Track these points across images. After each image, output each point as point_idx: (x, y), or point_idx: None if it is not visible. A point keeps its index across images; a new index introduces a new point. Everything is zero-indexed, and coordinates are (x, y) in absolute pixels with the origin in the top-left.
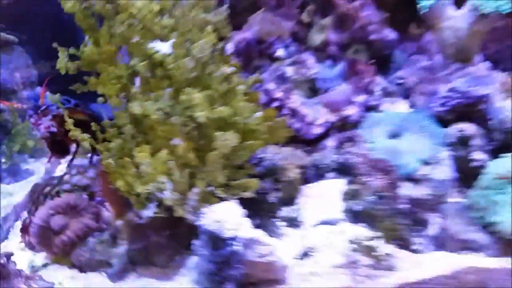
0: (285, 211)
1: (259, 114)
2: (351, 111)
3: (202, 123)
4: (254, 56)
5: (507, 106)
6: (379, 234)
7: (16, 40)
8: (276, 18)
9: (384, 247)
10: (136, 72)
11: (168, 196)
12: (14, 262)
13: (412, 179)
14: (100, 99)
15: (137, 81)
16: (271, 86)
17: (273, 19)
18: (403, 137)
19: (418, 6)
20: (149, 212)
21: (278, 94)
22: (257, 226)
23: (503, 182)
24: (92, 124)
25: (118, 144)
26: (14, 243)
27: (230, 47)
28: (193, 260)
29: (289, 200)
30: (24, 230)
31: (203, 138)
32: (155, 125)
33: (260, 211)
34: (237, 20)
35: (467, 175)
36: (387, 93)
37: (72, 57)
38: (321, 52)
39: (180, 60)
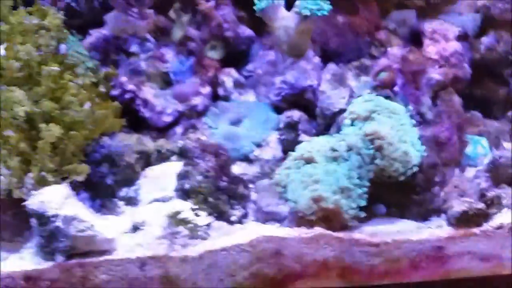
0: (124, 192)
1: (87, 106)
2: (198, 101)
3: (30, 116)
4: (111, 51)
5: (331, 95)
6: (203, 208)
7: None
8: (130, 18)
9: (204, 220)
10: None
11: (4, 180)
12: None
13: (247, 159)
14: None
15: None
16: (123, 79)
17: (127, 18)
18: (243, 123)
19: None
20: None
21: (130, 86)
22: (99, 206)
23: (299, 162)
24: None
25: None
26: None
27: (89, 42)
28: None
29: (128, 182)
30: None
31: (33, 129)
32: None
33: (100, 192)
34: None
35: None
36: (238, 85)
37: None
38: (183, 47)
39: (7, 61)
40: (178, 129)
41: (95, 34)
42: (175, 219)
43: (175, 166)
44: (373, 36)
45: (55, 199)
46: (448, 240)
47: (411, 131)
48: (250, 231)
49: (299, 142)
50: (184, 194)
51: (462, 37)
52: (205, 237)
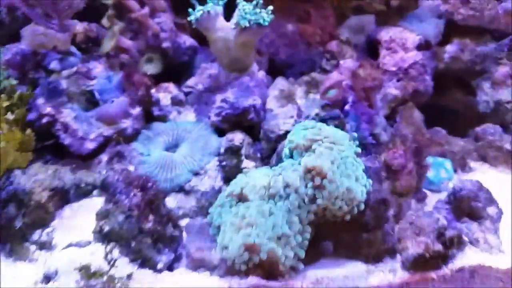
0: (37, 235)
1: None
2: (126, 124)
3: None
4: (29, 68)
5: (278, 113)
6: (125, 254)
7: None
8: (49, 31)
9: (124, 269)
10: None
11: None
12: None
13: (183, 190)
14: None
15: None
16: (40, 101)
17: (46, 31)
18: (180, 148)
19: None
20: None
21: (48, 110)
22: (9, 251)
23: (232, 200)
24: None
25: None
26: None
27: (5, 59)
28: None
29: (40, 224)
30: None
31: None
32: None
33: (8, 236)
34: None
35: None
36: (177, 102)
37: None
38: (115, 60)
39: None
40: (104, 157)
41: (12, 50)
42: (87, 272)
43: (96, 202)
44: (325, 47)
45: None
46: (402, 286)
47: (355, 164)
48: (177, 281)
49: (242, 169)
50: (103, 237)
51: (423, 46)
52: None
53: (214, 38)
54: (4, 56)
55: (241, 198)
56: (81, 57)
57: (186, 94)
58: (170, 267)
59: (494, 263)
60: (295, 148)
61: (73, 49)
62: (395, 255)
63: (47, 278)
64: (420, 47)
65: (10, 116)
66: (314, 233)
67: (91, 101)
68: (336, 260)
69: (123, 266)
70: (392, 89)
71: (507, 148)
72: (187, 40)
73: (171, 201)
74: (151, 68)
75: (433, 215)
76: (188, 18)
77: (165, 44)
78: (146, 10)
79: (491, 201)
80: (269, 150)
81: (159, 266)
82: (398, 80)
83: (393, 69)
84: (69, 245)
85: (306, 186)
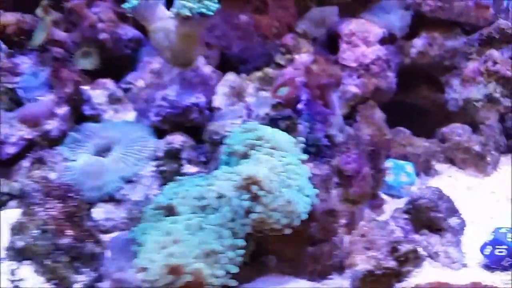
0: None
1: None
2: (52, 125)
3: None
4: None
5: (227, 113)
6: (40, 273)
7: None
8: None
9: None
10: None
11: None
12: None
13: (114, 199)
14: None
15: None
16: None
17: None
18: (113, 151)
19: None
20: None
21: None
22: None
23: (159, 213)
24: None
25: None
26: None
27: None
28: None
29: None
30: None
31: None
32: None
33: None
34: None
35: None
36: (114, 100)
37: None
38: (46, 54)
39: None
40: (25, 163)
41: None
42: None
43: (12, 215)
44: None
45: None
46: None
47: (298, 172)
48: None
49: (183, 175)
50: (16, 254)
51: (387, 40)
52: None
53: (153, 28)
54: None
55: (170, 211)
56: (7, 51)
57: (126, 91)
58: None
59: (455, 278)
60: (231, 154)
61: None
62: (344, 271)
63: None
64: (383, 41)
65: None
66: (256, 247)
67: (15, 100)
68: (279, 277)
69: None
70: (352, 87)
71: (476, 150)
72: (129, 31)
73: (99, 212)
74: (87, 63)
75: (387, 226)
76: (123, 6)
77: (103, 36)
78: None
79: (453, 211)
80: (213, 154)
81: (76, 286)
82: (358, 77)
83: (354, 65)
84: None
85: (240, 197)
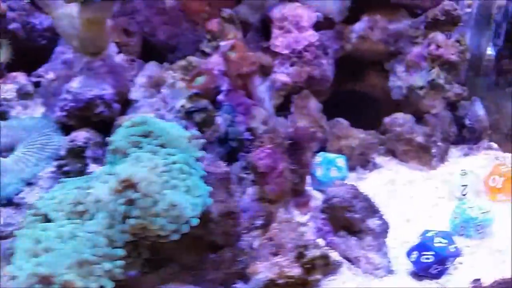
0: None
1: None
2: None
3: None
4: None
5: (143, 105)
6: None
7: None
8: None
9: None
10: None
11: None
12: None
13: (12, 203)
14: None
15: None
16: None
17: None
18: (15, 150)
19: None
20: None
21: None
22: None
23: (36, 219)
24: None
25: None
26: None
27: None
28: None
29: None
30: None
31: None
32: None
33: None
34: None
35: None
36: (24, 94)
37: None
38: None
39: None
40: None
41: None
42: None
43: None
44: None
45: None
46: None
47: (188, 171)
48: None
49: (88, 174)
50: None
51: (323, 25)
52: None
53: (57, 15)
54: None
55: (45, 217)
56: None
57: (37, 85)
58: None
59: (376, 287)
60: (115, 152)
61: None
62: (250, 280)
63: None
64: (318, 25)
65: None
66: (152, 255)
67: None
68: (180, 286)
69: None
70: (283, 75)
71: (418, 141)
72: (44, 21)
73: None
74: None
75: (299, 228)
76: None
77: (14, 26)
78: None
79: (372, 211)
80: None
81: None
82: (291, 65)
83: (286, 51)
84: None
85: (116, 202)
